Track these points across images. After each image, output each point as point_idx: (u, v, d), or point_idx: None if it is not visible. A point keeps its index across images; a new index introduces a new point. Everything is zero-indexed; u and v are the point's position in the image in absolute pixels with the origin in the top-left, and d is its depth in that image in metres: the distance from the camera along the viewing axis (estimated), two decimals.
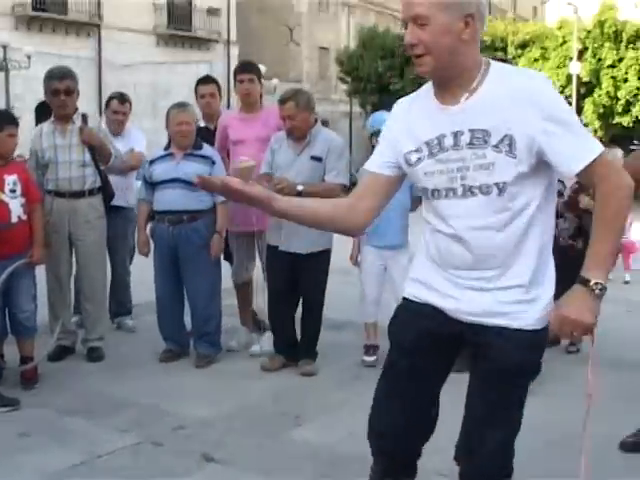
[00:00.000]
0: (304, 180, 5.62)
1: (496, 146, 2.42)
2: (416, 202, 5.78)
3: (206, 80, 7.24)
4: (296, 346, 6.06)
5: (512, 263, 2.51)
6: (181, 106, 6.14)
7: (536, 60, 33.20)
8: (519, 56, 33.45)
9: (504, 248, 2.50)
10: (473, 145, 2.45)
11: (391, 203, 2.81)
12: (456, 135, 2.47)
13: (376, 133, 5.93)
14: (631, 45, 31.61)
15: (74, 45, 31.19)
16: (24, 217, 5.50)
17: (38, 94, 27.93)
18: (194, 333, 6.25)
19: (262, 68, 34.73)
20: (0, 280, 5.31)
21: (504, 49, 33.75)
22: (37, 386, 5.62)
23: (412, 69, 34.06)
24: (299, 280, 5.89)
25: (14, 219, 5.43)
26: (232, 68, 9.25)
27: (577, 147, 2.40)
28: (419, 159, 2.55)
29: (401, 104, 2.74)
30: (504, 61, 3.74)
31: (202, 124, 6.86)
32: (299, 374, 5.89)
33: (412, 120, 2.61)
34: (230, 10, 37.46)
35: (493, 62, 2.55)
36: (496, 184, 2.44)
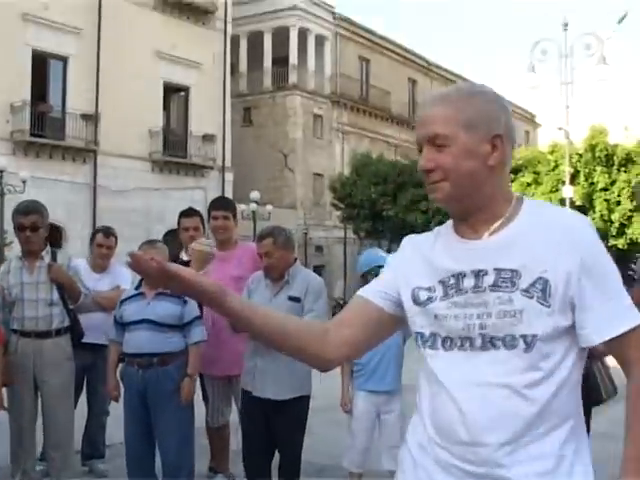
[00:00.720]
0: None
1: (526, 290, 1.97)
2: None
3: (189, 213, 7.01)
4: None
5: (531, 440, 1.97)
6: (150, 242, 5.92)
7: (529, 185, 33.41)
8: (512, 181, 33.62)
9: (522, 417, 1.97)
10: (498, 287, 2.00)
11: (389, 343, 2.46)
12: (478, 275, 2.03)
13: (370, 272, 5.73)
14: (623, 168, 31.90)
15: (70, 170, 31.36)
16: None
17: None
18: None
19: (256, 194, 35.21)
20: None
21: None
22: None
23: (405, 195, 34.46)
24: (274, 429, 5.56)
25: None
26: (227, 194, 9.14)
27: (612, 310, 1.98)
28: (429, 299, 2.10)
29: (414, 237, 2.34)
30: None
31: (185, 257, 6.61)
32: None
33: (426, 254, 2.18)
34: (225, 136, 37.84)
35: (525, 197, 2.16)
36: (523, 337, 1.97)
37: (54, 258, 5.90)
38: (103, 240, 7.04)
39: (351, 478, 5.92)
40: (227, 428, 6.44)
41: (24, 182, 26.17)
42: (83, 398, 6.96)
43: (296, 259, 5.72)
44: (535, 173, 33.40)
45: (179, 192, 33.27)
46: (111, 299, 6.38)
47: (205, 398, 6.51)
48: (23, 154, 30.00)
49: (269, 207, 35.63)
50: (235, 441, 6.02)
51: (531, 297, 1.96)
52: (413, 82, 52.17)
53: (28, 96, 30.09)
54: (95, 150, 32.00)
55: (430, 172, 2.08)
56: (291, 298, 5.49)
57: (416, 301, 2.14)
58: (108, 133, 31.77)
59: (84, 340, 6.37)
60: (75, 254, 7.29)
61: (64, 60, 31.56)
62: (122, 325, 5.84)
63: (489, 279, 2.02)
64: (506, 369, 1.98)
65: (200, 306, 5.98)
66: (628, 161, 32.25)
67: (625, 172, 31.79)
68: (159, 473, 5.93)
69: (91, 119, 31.69)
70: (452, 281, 2.07)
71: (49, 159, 30.79)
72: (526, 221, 2.05)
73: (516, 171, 33.75)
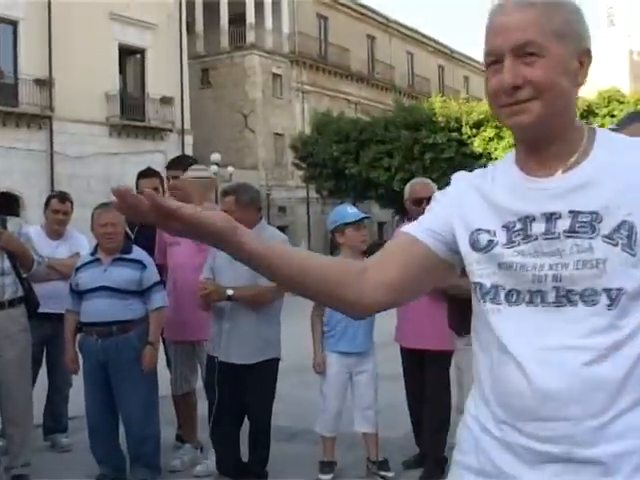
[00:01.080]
0: (244, 283, 5.09)
1: (609, 236, 1.65)
2: None
3: (147, 173, 6.69)
4: (243, 466, 5.46)
5: (618, 414, 1.64)
6: (107, 205, 5.61)
7: (491, 139, 33.31)
8: (474, 135, 33.54)
9: (607, 386, 1.64)
10: (575, 233, 1.67)
11: None
12: (550, 218, 1.70)
13: (337, 229, 5.49)
14: (584, 120, 31.82)
15: (25, 137, 30.74)
16: None
17: None
18: (129, 455, 5.64)
19: (217, 156, 34.81)
20: None
21: (459, 129, 33.85)
22: None
23: (368, 152, 34.22)
24: (242, 395, 5.32)
25: None
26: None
27: None
28: (490, 243, 1.77)
29: (467, 173, 1.95)
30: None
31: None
32: None
33: (486, 193, 1.83)
34: (184, 98, 37.28)
35: (597, 127, 1.82)
36: (607, 291, 1.64)
37: (3, 225, 5.59)
38: (59, 205, 6.70)
39: (324, 442, 5.71)
40: (193, 395, 6.20)
41: None
42: (44, 370, 6.68)
43: (261, 217, 5.46)
44: (497, 127, 33.21)
45: (138, 156, 32.69)
46: (68, 265, 6.07)
47: (169, 365, 6.25)
48: None
49: (230, 169, 35.27)
50: (202, 409, 5.78)
51: (615, 244, 1.65)
52: (372, 39, 51.73)
53: None
54: (50, 116, 31.37)
55: (517, 89, 1.69)
56: None
57: (475, 246, 1.80)
58: (63, 98, 31.14)
59: (42, 310, 6.08)
60: (34, 222, 6.94)
61: (14, 24, 30.72)
62: (78, 293, 5.56)
63: (564, 223, 1.69)
64: (585, 329, 1.65)
65: (160, 271, 5.73)
66: (590, 113, 32.23)
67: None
68: (124, 445, 5.70)
69: (45, 84, 31.03)
70: (518, 226, 1.74)
71: (2, 127, 30.08)
72: (603, 156, 1.73)
73: (478, 125, 33.65)
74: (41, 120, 31.33)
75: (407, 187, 5.95)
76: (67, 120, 31.62)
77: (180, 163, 6.40)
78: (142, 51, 35.86)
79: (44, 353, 6.63)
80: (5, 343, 5.54)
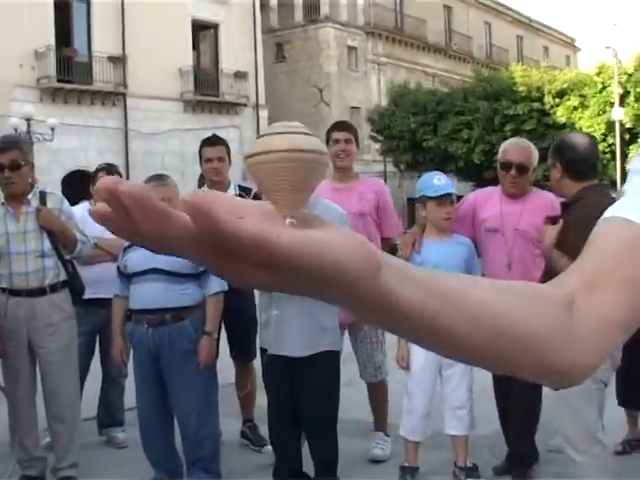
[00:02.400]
0: None
1: None
2: None
3: (213, 141, 5.97)
4: (303, 475, 4.79)
5: None
6: (159, 179, 4.98)
7: (575, 109, 32.01)
8: (557, 105, 32.26)
9: None
10: None
11: None
12: None
13: (422, 199, 4.79)
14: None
15: (100, 115, 30.65)
16: None
17: (65, 166, 27.85)
18: (185, 458, 5.03)
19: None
20: None
21: (541, 99, 32.61)
22: None
23: (446, 124, 33.30)
24: (298, 392, 4.65)
25: None
26: (262, 132, 8.24)
27: None
28: None
29: None
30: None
31: None
32: None
33: None
34: (258, 73, 36.81)
35: None
36: None
37: (43, 201, 5.02)
38: None
39: (406, 445, 5.00)
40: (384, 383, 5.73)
41: (52, 129, 25.45)
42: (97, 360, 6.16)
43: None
44: (581, 96, 31.95)
45: (213, 131, 32.26)
46: (117, 246, 5.44)
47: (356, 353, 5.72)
48: (50, 101, 29.30)
49: None
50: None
51: None
52: (449, 9, 50.53)
53: (52, 41, 29.23)
54: (124, 93, 31.22)
55: None
56: None
57: None
58: (137, 75, 30.93)
59: (93, 296, 5.53)
60: None
61: (87, 2, 30.53)
62: (127, 277, 4.95)
63: None
64: None
65: None
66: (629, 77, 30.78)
67: None
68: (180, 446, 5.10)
69: (118, 61, 30.86)
70: None
71: (77, 104, 30.06)
72: None
73: (561, 95, 32.37)
74: (115, 97, 31.22)
75: (501, 146, 5.20)
76: (141, 97, 31.42)
77: (344, 126, 5.90)
78: (215, 26, 35.45)
79: (96, 342, 6.09)
80: (47, 332, 4.98)
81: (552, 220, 4.41)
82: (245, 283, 0.70)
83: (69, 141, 28.94)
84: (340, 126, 5.93)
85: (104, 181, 0.62)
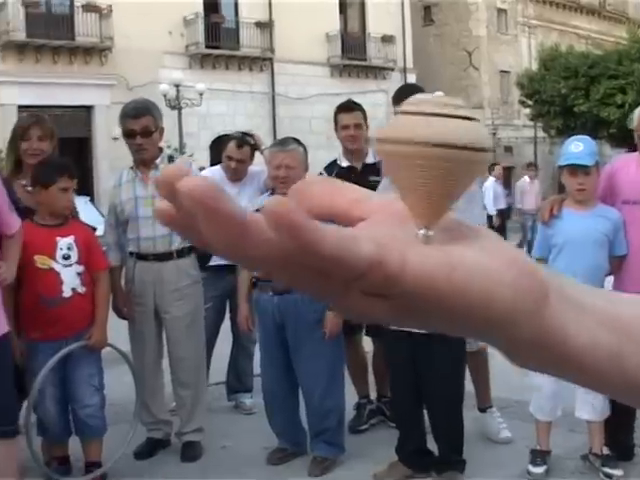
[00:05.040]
0: None
1: None
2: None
3: (348, 106, 5.68)
4: (427, 453, 4.61)
5: None
6: (282, 144, 4.84)
7: None
8: None
9: None
10: None
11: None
12: None
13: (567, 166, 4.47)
14: None
15: (247, 80, 31.00)
16: (82, 290, 4.38)
17: (213, 131, 28.37)
18: (310, 430, 4.94)
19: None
20: (46, 367, 4.20)
21: None
22: None
23: (598, 88, 32.08)
24: (422, 368, 4.44)
25: (67, 293, 4.32)
26: (406, 103, 7.98)
27: None
28: None
29: None
30: None
31: (344, 163, 5.54)
32: None
33: None
34: (405, 36, 36.37)
35: None
36: None
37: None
38: (234, 152, 5.94)
39: (537, 426, 4.74)
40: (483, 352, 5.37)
41: (201, 95, 25.84)
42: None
43: None
44: None
45: (360, 96, 31.89)
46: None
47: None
48: (199, 67, 29.83)
49: None
50: None
51: None
52: None
53: (201, 8, 29.79)
54: (271, 58, 31.44)
55: None
56: None
57: None
58: (284, 40, 31.03)
59: (223, 262, 5.46)
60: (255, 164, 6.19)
61: None
62: None
63: None
64: None
65: None
66: None
67: None
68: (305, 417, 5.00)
69: (265, 27, 31.04)
70: None
71: (225, 70, 30.48)
72: None
73: None
74: (262, 62, 31.48)
75: (636, 112, 4.71)
76: (288, 62, 31.55)
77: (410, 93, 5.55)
78: None
79: (227, 308, 6.06)
80: (174, 298, 4.95)
81: None
82: (354, 313, 0.51)
83: (217, 106, 29.37)
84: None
85: (164, 172, 0.46)
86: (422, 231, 0.51)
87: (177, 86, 25.68)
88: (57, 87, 26.07)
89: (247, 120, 29.48)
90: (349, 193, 0.54)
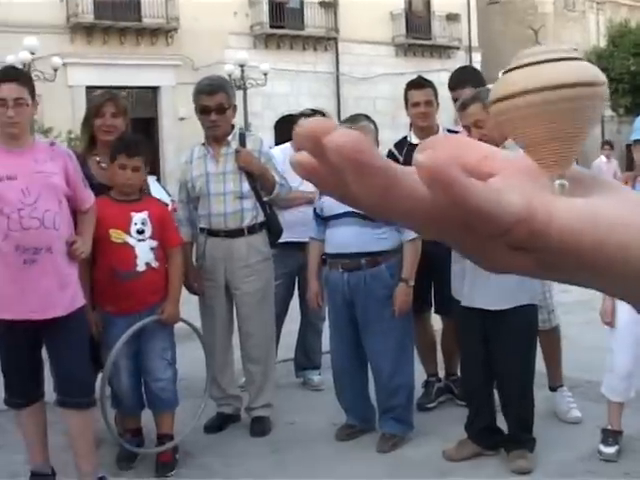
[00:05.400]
0: None
1: None
2: None
3: (419, 83, 5.62)
4: (496, 431, 4.60)
5: None
6: (354, 121, 4.83)
7: None
8: None
9: None
10: None
11: None
12: None
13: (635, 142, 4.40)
14: None
15: (311, 60, 30.97)
16: (155, 264, 4.44)
17: (277, 111, 28.45)
18: (378, 406, 4.95)
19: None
20: (121, 340, 4.27)
21: None
22: (173, 473, 4.56)
23: None
24: (491, 347, 4.43)
25: (141, 267, 4.38)
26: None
27: None
28: None
29: None
30: None
31: (414, 140, 5.46)
32: (508, 470, 4.39)
33: None
34: (471, 15, 35.96)
35: None
36: None
37: (242, 143, 5.00)
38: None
39: (609, 406, 4.67)
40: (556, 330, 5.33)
41: (265, 75, 25.92)
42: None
43: None
44: None
45: (425, 75, 31.70)
46: (314, 191, 5.37)
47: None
48: (263, 46, 29.87)
49: None
50: None
51: None
52: None
53: None
54: (336, 38, 31.34)
55: None
56: None
57: None
58: (348, 19, 30.92)
59: (291, 239, 5.50)
60: None
61: None
62: (323, 219, 4.87)
63: None
64: None
65: None
66: None
67: None
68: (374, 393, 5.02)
69: (330, 6, 30.94)
70: None
71: (289, 50, 30.47)
72: None
73: None
74: (327, 42, 31.42)
75: None
76: (352, 41, 31.43)
77: (467, 80, 5.52)
78: None
79: (296, 284, 6.09)
80: (244, 274, 5.00)
81: None
82: (498, 267, 0.52)
83: (281, 86, 29.40)
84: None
85: (308, 125, 0.46)
86: (557, 181, 0.51)
87: (242, 66, 25.77)
88: (124, 68, 26.32)
89: (311, 100, 29.45)
90: (477, 150, 0.54)
